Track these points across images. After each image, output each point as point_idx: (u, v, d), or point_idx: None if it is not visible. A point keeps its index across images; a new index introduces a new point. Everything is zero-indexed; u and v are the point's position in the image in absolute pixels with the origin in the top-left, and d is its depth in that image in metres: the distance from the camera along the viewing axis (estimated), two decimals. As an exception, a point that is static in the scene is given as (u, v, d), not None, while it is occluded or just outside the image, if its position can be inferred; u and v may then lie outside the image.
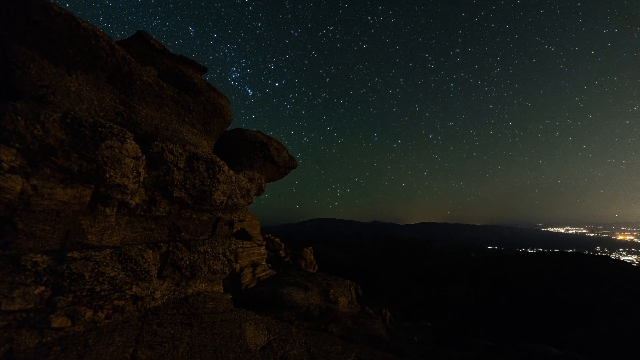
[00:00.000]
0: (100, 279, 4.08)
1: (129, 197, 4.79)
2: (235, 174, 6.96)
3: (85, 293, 3.88)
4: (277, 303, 9.54)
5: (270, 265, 34.46)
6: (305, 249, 45.01)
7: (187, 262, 5.77)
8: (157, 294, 5.27)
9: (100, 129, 3.90)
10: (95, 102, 4.17)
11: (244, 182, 7.16)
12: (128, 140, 4.23)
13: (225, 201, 6.38)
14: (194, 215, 6.19)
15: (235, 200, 6.69)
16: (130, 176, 4.56)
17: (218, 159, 5.84)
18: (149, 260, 4.89)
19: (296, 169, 8.89)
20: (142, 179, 4.94)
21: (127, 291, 4.51)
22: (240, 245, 28.37)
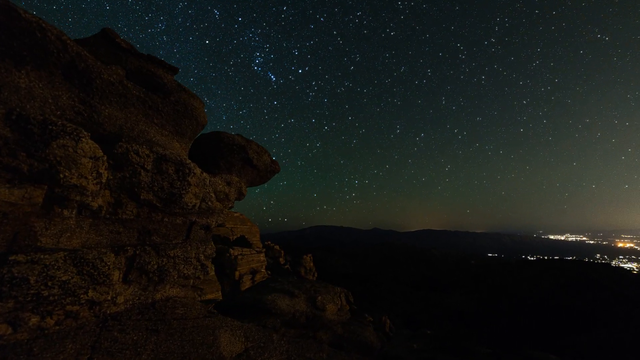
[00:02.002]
0: (49, 283, 3.81)
1: (89, 198, 4.56)
2: (211, 177, 6.73)
3: (29, 298, 3.62)
4: (261, 310, 9.20)
5: (269, 272, 33.95)
6: (305, 256, 44.53)
7: (155, 266, 5.50)
8: (120, 299, 4.99)
9: (50, 127, 3.70)
10: (50, 100, 3.98)
11: (221, 186, 6.93)
12: (83, 140, 4.02)
13: (198, 204, 6.14)
14: (166, 219, 5.94)
15: (209, 203, 6.44)
16: (89, 177, 4.34)
17: (188, 161, 5.61)
18: (109, 263, 4.63)
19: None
20: (104, 181, 4.72)
21: (82, 296, 4.24)
22: (239, 252, 28.01)
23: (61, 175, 3.95)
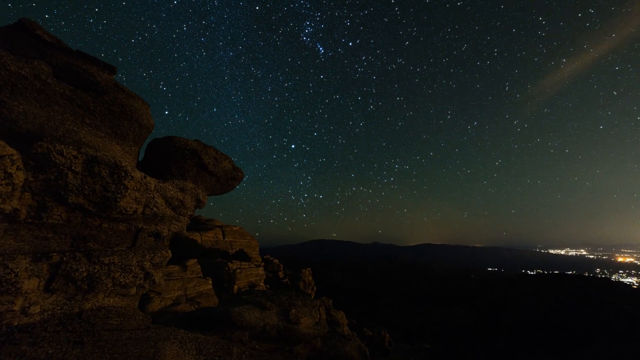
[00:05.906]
0: None
1: None
2: (160, 182, 6.23)
3: None
4: (226, 322, 8.45)
5: (268, 286, 32.79)
6: (304, 270, 43.27)
7: (85, 273, 4.91)
8: (35, 309, 4.39)
9: None
10: (-57, 93, 3.59)
11: (172, 192, 6.41)
12: (-20, 135, 3.58)
13: (140, 210, 5.60)
14: (106, 225, 5.40)
15: (155, 209, 5.91)
16: (-5, 177, 3.88)
17: (125, 164, 5.13)
18: (17, 270, 4.08)
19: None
20: (19, 182, 4.24)
21: (-26, 306, 3.68)
22: (238, 266, 27.10)
23: (-45, 173, 3.50)
